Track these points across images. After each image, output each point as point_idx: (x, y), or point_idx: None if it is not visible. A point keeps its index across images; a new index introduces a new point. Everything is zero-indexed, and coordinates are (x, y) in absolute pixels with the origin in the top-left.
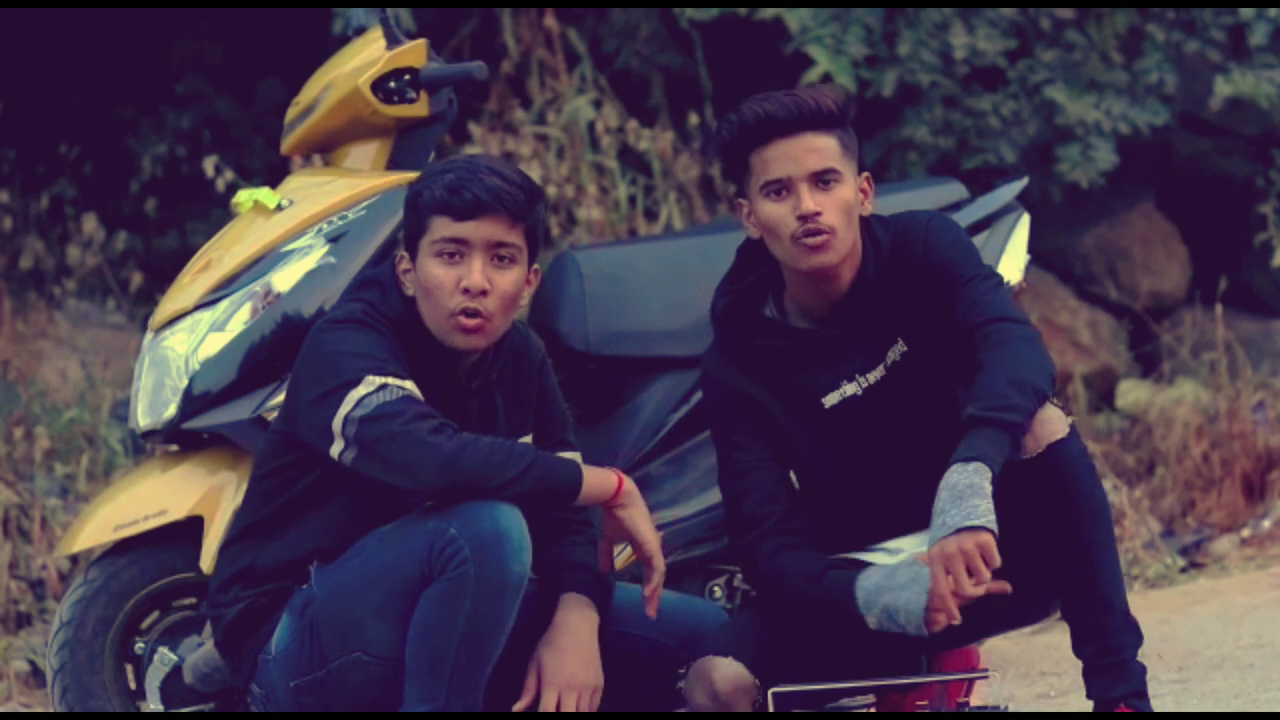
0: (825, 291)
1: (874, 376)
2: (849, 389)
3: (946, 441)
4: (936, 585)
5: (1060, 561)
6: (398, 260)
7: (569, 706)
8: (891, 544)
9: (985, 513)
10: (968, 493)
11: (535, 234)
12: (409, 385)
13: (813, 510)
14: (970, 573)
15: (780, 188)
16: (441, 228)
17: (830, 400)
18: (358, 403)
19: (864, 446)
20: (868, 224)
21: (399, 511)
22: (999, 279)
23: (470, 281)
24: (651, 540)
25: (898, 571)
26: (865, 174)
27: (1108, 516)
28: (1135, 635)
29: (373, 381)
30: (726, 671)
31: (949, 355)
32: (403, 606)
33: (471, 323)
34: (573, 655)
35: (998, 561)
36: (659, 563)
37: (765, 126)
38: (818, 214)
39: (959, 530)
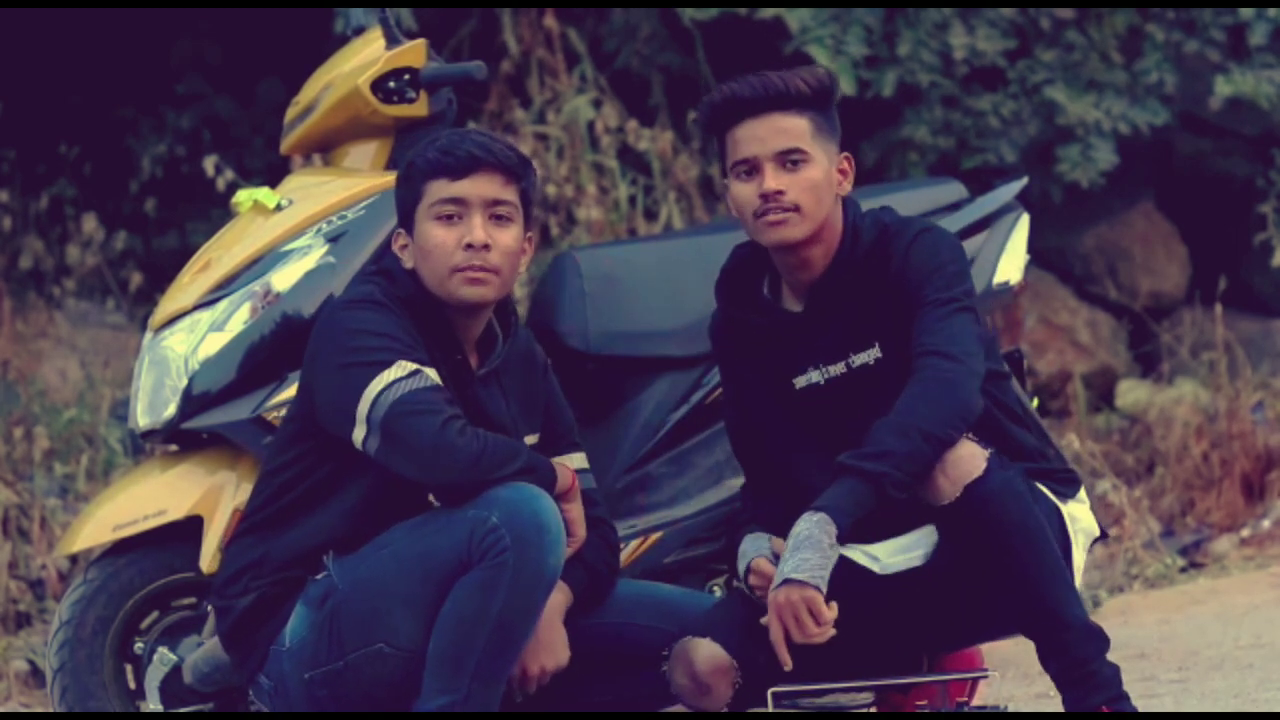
0: (798, 273)
1: (835, 370)
2: (814, 375)
3: None
4: (771, 631)
5: (1007, 592)
6: (395, 238)
7: (529, 684)
8: (871, 548)
9: (813, 567)
10: (805, 544)
11: (529, 199)
12: (434, 374)
13: (791, 489)
14: (800, 623)
15: (749, 167)
16: (438, 190)
17: (799, 383)
18: (389, 385)
19: (831, 437)
20: (854, 212)
21: (413, 500)
22: (957, 305)
23: (472, 237)
24: (581, 534)
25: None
26: (845, 154)
27: (1044, 537)
28: (1099, 642)
29: (405, 366)
30: (705, 653)
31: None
32: (433, 597)
33: (477, 274)
34: (532, 639)
35: (827, 616)
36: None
37: (733, 107)
38: (780, 193)
39: (785, 582)
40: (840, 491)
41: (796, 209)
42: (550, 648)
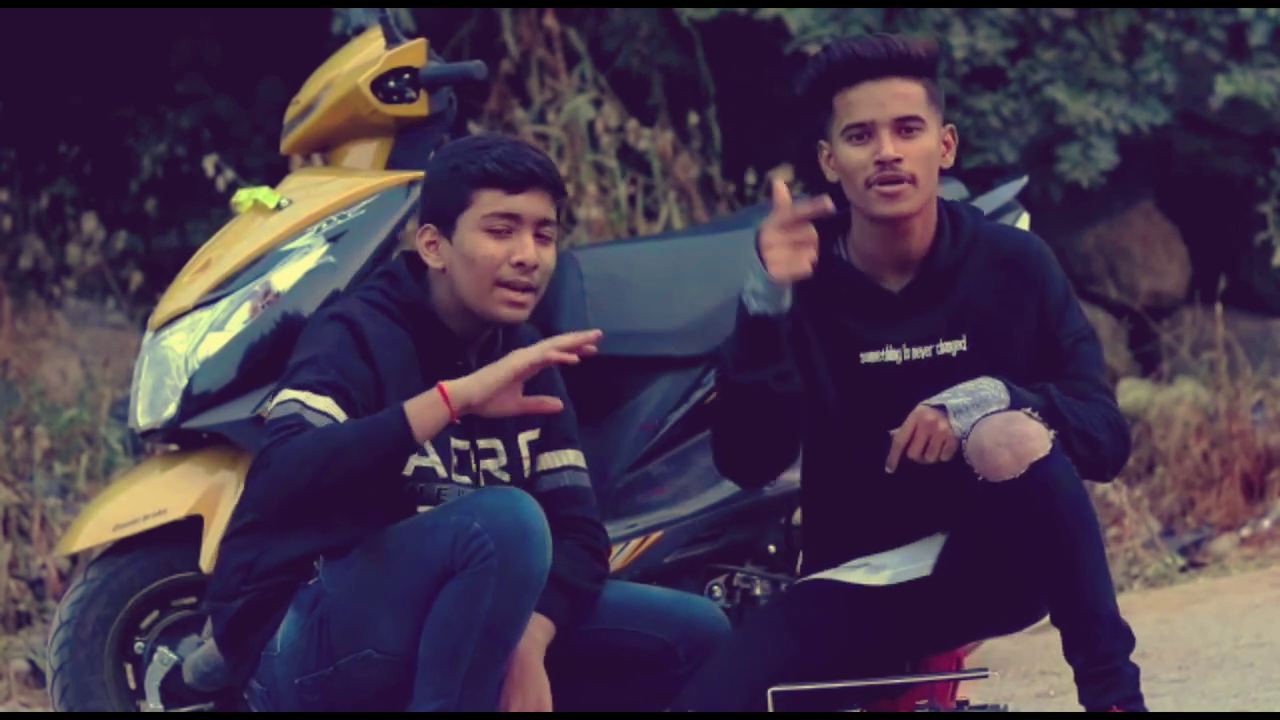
0: (894, 246)
1: (919, 354)
2: (890, 354)
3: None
4: (900, 433)
5: (1048, 576)
6: (420, 234)
7: None
8: (874, 559)
9: (966, 421)
10: (974, 394)
11: (561, 216)
12: (314, 400)
13: (832, 469)
14: (928, 448)
15: (862, 132)
16: (492, 201)
17: (869, 358)
18: (276, 405)
19: (883, 420)
20: (948, 202)
21: (401, 503)
22: (1091, 335)
23: (525, 256)
24: (518, 366)
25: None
26: (950, 126)
27: (1095, 527)
28: (1126, 641)
29: (285, 395)
30: None
31: (1010, 378)
32: (420, 603)
33: (519, 296)
34: (509, 683)
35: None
36: (533, 359)
37: (853, 67)
38: (898, 160)
39: (941, 409)
40: (1026, 390)
41: (913, 179)
42: (527, 690)
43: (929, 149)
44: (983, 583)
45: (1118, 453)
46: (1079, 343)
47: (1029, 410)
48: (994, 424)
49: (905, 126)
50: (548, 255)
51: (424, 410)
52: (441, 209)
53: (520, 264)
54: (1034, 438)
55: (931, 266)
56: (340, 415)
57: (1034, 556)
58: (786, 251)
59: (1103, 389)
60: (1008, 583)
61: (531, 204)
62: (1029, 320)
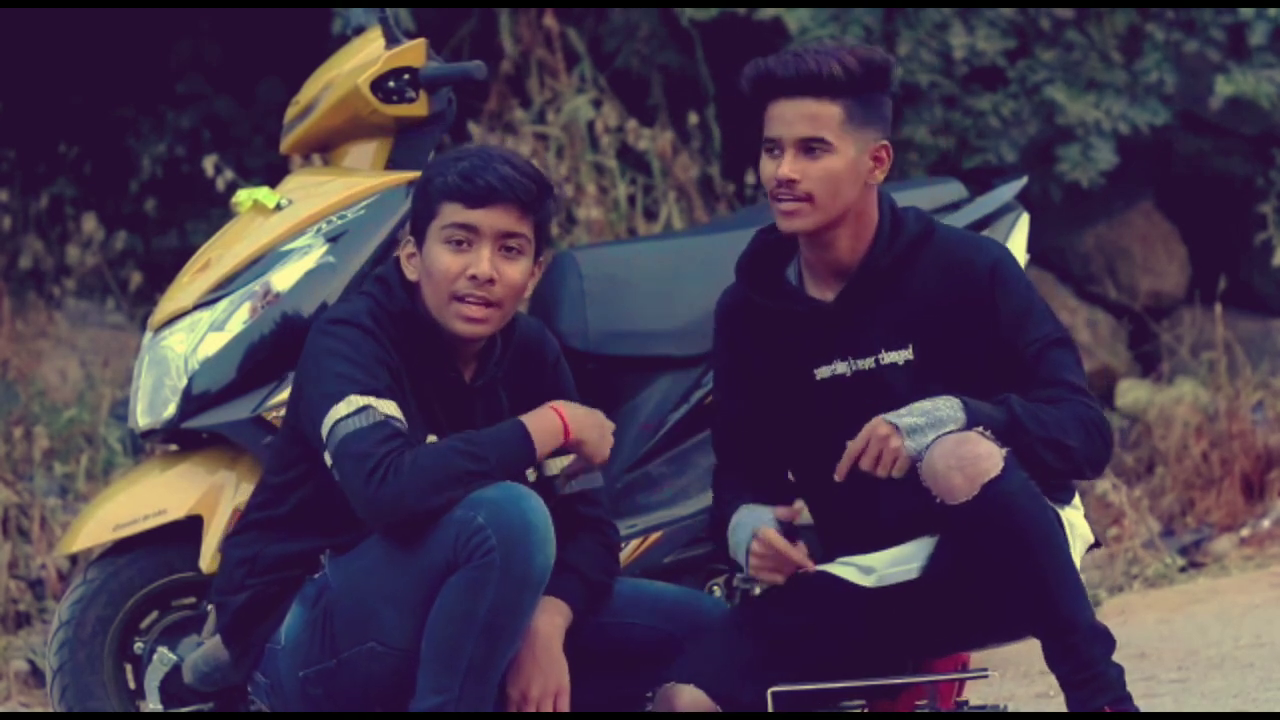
0: (823, 256)
1: (864, 365)
2: (840, 367)
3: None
4: (853, 444)
5: (1018, 591)
6: (402, 246)
7: (528, 707)
8: (863, 560)
9: (920, 442)
10: (928, 413)
11: (544, 227)
12: (388, 407)
13: (802, 487)
14: (879, 461)
15: (773, 146)
16: (452, 214)
17: (822, 373)
18: (337, 421)
19: (843, 432)
20: (890, 204)
21: None
22: (1064, 338)
23: (478, 270)
24: (603, 452)
25: (750, 515)
26: (883, 143)
27: (1058, 536)
28: (1105, 643)
29: (354, 401)
30: (687, 698)
31: (965, 389)
32: (422, 596)
33: (475, 311)
34: (530, 663)
35: (898, 475)
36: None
37: (767, 84)
38: (793, 181)
39: (894, 427)
40: (986, 404)
41: (809, 199)
42: (548, 671)
43: (832, 170)
44: (971, 591)
45: (1094, 452)
46: (1047, 348)
47: (982, 429)
48: (946, 446)
49: (808, 147)
50: (511, 270)
51: (544, 434)
52: (417, 220)
53: (474, 277)
54: (985, 458)
55: (863, 274)
56: (401, 417)
57: (1002, 575)
58: (770, 564)
59: (1077, 390)
60: (988, 599)
61: (492, 218)
62: (983, 329)
